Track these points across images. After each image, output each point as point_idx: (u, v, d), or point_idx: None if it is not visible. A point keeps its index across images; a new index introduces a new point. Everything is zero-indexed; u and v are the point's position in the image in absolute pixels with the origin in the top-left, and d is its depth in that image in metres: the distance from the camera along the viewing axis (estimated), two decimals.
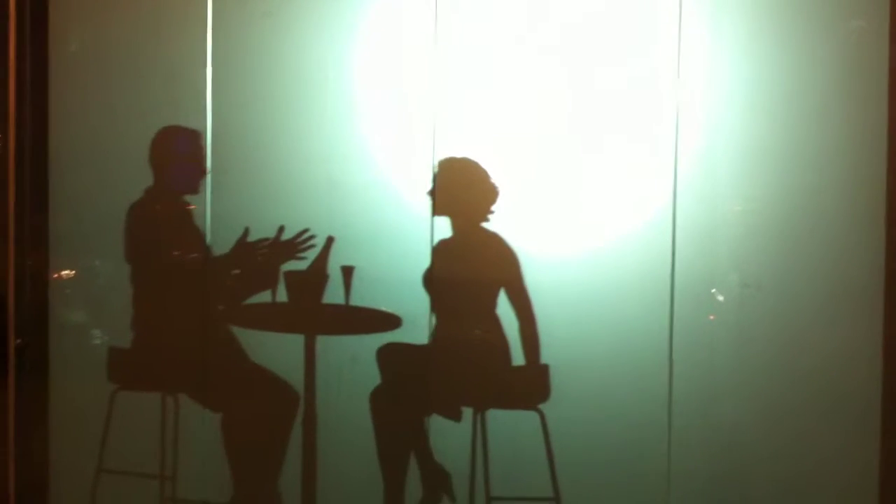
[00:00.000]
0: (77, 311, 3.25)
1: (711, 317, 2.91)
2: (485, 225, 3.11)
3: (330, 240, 3.12)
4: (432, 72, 3.01)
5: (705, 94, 2.91)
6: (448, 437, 3.09)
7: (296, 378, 3.17)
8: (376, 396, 3.14)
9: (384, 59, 3.11)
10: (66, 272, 3.21)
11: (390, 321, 3.11)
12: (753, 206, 2.90)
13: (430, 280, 3.09)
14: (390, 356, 3.15)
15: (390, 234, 3.12)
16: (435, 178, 3.08)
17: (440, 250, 3.10)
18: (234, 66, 3.15)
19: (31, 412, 3.05)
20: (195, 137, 3.18)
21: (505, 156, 3.03)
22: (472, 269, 3.10)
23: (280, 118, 3.16)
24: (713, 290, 2.90)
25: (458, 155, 3.08)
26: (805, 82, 2.87)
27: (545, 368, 3.04)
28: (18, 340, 2.95)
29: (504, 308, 3.09)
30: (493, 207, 3.09)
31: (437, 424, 3.10)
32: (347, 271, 3.12)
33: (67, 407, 3.22)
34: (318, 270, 3.13)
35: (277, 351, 3.18)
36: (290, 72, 3.15)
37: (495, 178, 3.08)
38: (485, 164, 3.07)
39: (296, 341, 3.15)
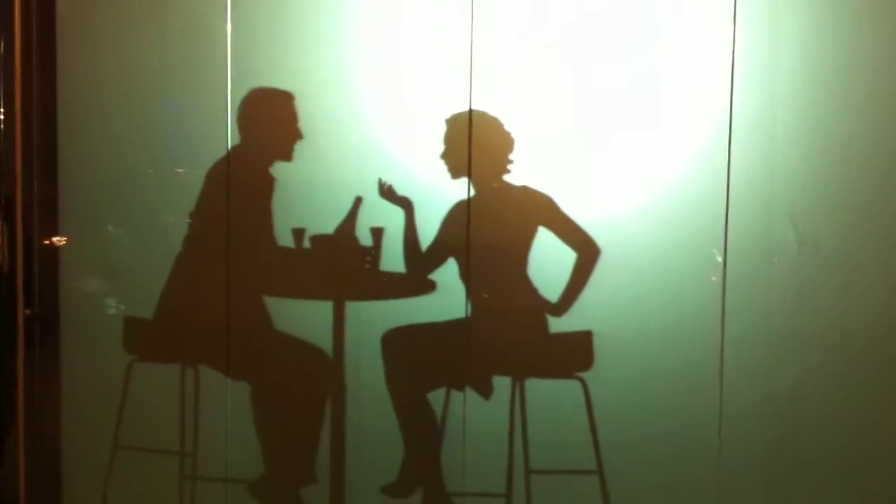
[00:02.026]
0: (89, 281, 3.14)
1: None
2: (507, 178, 2.97)
3: (358, 200, 2.99)
4: (471, 25, 2.89)
5: (763, 50, 2.80)
6: (485, 406, 2.98)
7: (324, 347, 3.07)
8: (392, 383, 3.04)
9: (417, 13, 2.98)
10: (77, 241, 3.08)
11: (424, 285, 2.98)
12: (811, 162, 2.80)
13: (457, 244, 2.95)
14: (397, 340, 3.03)
15: (421, 194, 3.00)
16: (445, 140, 2.96)
17: (462, 211, 2.96)
18: (255, 21, 3.01)
19: (42, 385, 2.98)
20: (288, 99, 3.02)
21: (550, 114, 2.91)
22: (502, 226, 2.96)
23: (304, 74, 3.03)
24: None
25: (463, 110, 2.93)
26: (868, 40, 2.78)
27: (588, 335, 2.92)
28: (27, 311, 2.88)
29: (536, 270, 2.95)
30: (511, 157, 2.95)
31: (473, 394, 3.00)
32: (377, 233, 3.00)
33: (81, 380, 3.13)
34: (347, 233, 3.01)
35: (305, 319, 3.06)
36: (313, 26, 3.02)
37: (507, 126, 2.94)
38: (494, 113, 2.93)
39: (324, 308, 3.05)
